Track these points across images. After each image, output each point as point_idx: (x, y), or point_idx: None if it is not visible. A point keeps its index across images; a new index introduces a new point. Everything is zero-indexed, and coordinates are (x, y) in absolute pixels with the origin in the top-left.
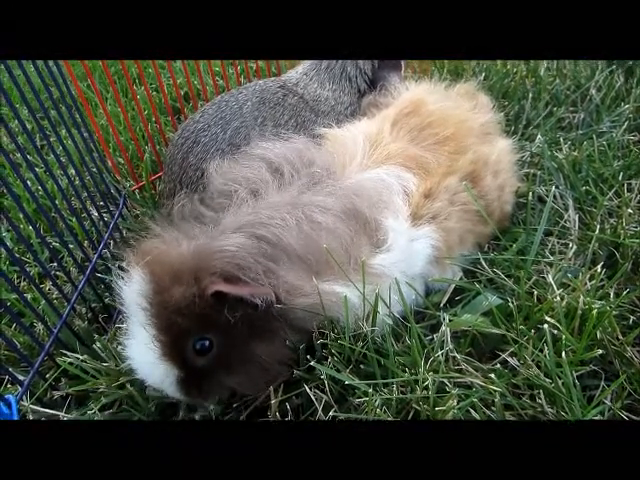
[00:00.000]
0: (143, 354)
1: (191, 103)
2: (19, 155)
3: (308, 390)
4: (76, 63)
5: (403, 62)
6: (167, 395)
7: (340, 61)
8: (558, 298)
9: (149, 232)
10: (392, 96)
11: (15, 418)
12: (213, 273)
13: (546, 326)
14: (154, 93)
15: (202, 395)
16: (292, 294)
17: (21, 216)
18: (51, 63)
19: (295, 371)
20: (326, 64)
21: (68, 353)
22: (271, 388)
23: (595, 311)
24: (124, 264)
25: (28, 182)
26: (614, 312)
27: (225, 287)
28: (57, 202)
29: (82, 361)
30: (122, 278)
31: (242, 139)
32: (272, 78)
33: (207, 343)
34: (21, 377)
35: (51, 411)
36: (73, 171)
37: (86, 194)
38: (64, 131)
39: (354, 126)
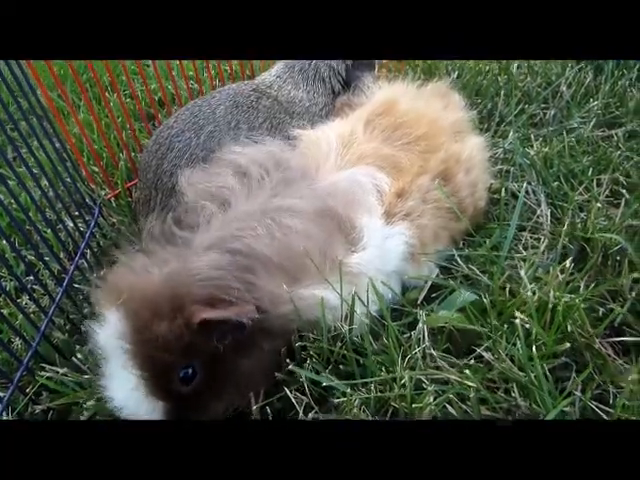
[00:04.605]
0: (127, 394)
1: (165, 109)
2: None
3: (289, 393)
4: (45, 72)
5: (377, 62)
6: None
7: (313, 62)
8: (530, 292)
9: (115, 262)
10: (365, 96)
11: None
12: (194, 300)
13: (517, 320)
14: (127, 100)
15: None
16: (274, 303)
17: None
18: (19, 73)
19: (276, 375)
20: (299, 66)
21: (47, 367)
22: (251, 393)
23: (562, 304)
24: (94, 306)
25: (1, 196)
26: (584, 305)
27: (210, 313)
28: (31, 214)
29: (62, 374)
30: (95, 322)
31: (216, 143)
32: (245, 81)
33: (190, 372)
34: (1, 394)
35: None
36: (46, 182)
37: (60, 205)
38: (35, 142)
39: (327, 127)
